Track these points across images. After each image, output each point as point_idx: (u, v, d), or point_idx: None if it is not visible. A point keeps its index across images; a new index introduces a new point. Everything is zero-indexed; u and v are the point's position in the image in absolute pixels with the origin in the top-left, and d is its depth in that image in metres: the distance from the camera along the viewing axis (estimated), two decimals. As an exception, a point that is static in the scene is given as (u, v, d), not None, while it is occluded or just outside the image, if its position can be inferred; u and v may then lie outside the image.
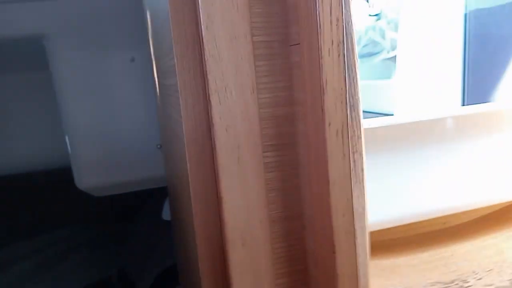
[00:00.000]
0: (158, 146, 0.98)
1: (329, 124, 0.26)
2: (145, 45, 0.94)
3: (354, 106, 0.28)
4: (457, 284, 0.46)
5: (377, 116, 0.51)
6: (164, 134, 0.61)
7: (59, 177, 2.47)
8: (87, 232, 2.54)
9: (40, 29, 0.89)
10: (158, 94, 0.60)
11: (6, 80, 1.17)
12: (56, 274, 2.10)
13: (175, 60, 0.33)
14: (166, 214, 1.13)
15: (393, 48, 0.78)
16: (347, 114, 0.27)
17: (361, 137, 0.29)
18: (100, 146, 0.94)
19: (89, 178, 0.95)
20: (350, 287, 0.28)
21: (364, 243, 0.29)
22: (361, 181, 0.29)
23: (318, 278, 0.31)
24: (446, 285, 0.47)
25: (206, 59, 0.31)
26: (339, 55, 0.27)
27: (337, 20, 0.27)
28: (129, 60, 0.94)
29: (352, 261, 0.28)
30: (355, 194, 0.28)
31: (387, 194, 0.55)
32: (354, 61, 0.29)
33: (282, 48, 0.31)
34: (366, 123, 0.41)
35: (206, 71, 0.31)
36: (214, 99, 0.31)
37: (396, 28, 0.76)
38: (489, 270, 0.48)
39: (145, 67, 0.95)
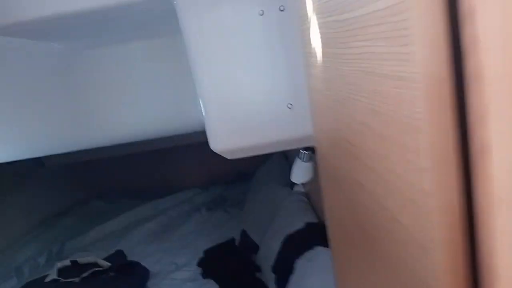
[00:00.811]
0: (289, 106, 0.92)
1: None
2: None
3: None
4: None
5: None
6: (320, 85, 0.54)
7: (180, 142, 2.58)
8: (208, 195, 2.65)
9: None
10: (314, 37, 0.52)
11: (139, 47, 1.19)
12: (180, 235, 2.22)
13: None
14: (296, 177, 1.08)
15: None
16: None
17: None
18: (232, 108, 0.91)
19: (223, 140, 0.92)
20: None
21: None
22: None
23: None
24: None
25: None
26: None
27: None
28: (258, 14, 0.88)
29: None
30: None
31: None
32: None
33: None
34: None
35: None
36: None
37: None
38: None
39: (274, 20, 0.89)
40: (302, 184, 1.52)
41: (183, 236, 2.17)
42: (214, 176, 2.89)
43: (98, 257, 1.95)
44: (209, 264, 1.73)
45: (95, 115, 1.29)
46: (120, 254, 2.01)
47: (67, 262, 1.98)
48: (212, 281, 1.62)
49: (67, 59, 1.19)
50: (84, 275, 1.86)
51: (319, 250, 1.11)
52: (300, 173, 1.08)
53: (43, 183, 2.84)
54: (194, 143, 2.66)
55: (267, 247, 1.44)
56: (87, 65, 1.20)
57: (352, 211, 0.49)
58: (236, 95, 0.92)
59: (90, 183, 3.11)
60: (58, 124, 1.32)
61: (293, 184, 1.58)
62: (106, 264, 1.89)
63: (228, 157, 1.01)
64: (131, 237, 2.24)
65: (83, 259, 1.98)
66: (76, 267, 1.95)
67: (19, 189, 2.59)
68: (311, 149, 1.09)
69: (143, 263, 1.83)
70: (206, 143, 0.99)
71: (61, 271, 1.92)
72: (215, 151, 0.95)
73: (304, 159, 1.07)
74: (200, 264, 1.76)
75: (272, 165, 2.05)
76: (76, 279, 1.86)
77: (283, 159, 2.05)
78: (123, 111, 1.23)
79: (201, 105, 0.93)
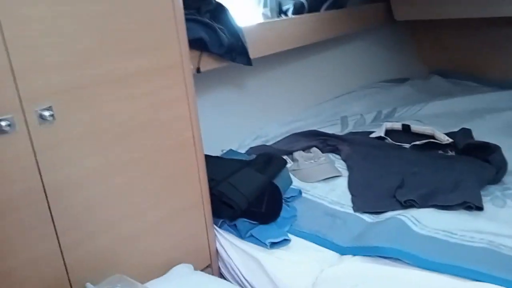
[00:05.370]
0: None
1: None
2: None
3: None
4: None
5: None
6: None
7: None
8: None
9: None
10: None
11: None
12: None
13: None
14: None
15: None
16: None
17: None
18: None
19: None
20: None
21: None
22: None
23: None
24: None
25: None
26: None
27: None
28: None
29: None
30: None
31: None
32: None
33: None
34: None
35: None
36: None
37: None
38: None
39: None
40: None
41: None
42: None
43: (436, 130, 1.56)
44: None
45: None
46: (466, 133, 1.56)
47: (397, 125, 1.68)
48: None
49: None
50: (417, 142, 1.52)
51: None
52: None
53: (387, 44, 2.56)
54: None
55: None
56: None
57: None
58: None
59: (434, 56, 2.66)
60: None
61: None
62: (446, 139, 1.48)
63: None
64: (482, 121, 1.73)
65: (417, 127, 1.63)
66: (407, 133, 1.64)
67: (364, 39, 2.39)
68: None
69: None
70: None
71: (388, 132, 1.65)
72: None
73: None
74: None
75: None
76: (406, 145, 1.54)
77: None
78: None
79: None
